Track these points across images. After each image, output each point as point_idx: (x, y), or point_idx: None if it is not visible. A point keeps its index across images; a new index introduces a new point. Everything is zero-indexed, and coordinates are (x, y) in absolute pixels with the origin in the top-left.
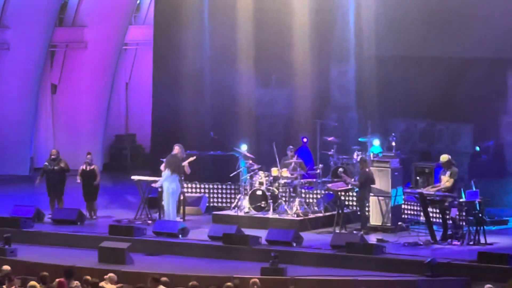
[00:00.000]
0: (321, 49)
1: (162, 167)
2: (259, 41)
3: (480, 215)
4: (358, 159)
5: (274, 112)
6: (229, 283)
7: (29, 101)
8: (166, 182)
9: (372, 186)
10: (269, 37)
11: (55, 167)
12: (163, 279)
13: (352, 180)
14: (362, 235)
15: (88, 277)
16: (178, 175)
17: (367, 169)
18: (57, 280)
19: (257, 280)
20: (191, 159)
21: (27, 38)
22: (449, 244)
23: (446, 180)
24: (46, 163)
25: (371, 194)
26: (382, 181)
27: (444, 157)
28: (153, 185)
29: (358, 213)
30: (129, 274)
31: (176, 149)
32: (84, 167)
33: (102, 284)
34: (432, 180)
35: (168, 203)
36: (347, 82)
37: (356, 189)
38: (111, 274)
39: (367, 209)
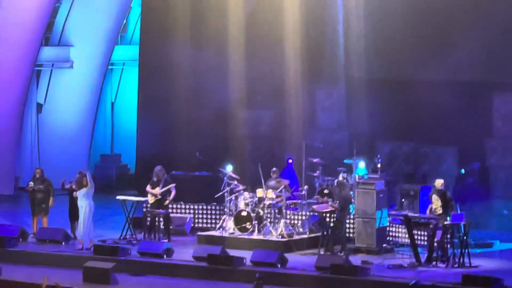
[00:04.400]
0: (307, 70)
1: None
2: (245, 62)
3: (465, 237)
4: (336, 183)
5: (260, 133)
6: None
7: (15, 120)
8: (84, 199)
9: (358, 207)
10: (255, 57)
11: (40, 186)
12: None
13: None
14: (347, 256)
15: None
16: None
17: (345, 192)
18: None
19: None
20: (170, 186)
21: (13, 56)
22: (434, 266)
23: (440, 205)
24: (31, 183)
25: (357, 216)
26: (367, 203)
27: (438, 182)
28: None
29: (327, 233)
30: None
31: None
32: (73, 186)
33: None
34: (417, 202)
35: (86, 221)
36: (333, 103)
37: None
38: None
39: (345, 230)
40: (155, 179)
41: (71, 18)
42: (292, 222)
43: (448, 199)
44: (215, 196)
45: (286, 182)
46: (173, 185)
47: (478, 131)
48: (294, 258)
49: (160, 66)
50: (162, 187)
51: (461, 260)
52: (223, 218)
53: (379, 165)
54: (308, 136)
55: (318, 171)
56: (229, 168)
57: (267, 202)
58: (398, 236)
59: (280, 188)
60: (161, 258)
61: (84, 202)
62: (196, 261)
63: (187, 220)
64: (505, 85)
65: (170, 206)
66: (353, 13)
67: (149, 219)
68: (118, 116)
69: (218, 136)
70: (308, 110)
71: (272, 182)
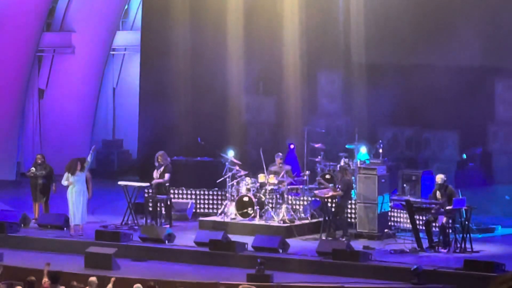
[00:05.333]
0: (309, 55)
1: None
2: (247, 48)
3: (466, 222)
4: (338, 168)
5: (262, 119)
6: None
7: (16, 106)
8: (82, 183)
9: (359, 192)
10: (257, 43)
11: (42, 172)
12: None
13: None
14: (348, 242)
15: (75, 282)
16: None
17: (347, 177)
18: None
19: (247, 285)
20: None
21: (15, 42)
22: (435, 251)
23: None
24: (32, 168)
25: (358, 201)
26: (368, 188)
27: (439, 177)
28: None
29: (329, 218)
30: (116, 279)
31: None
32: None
33: None
34: (419, 187)
35: (82, 204)
36: (334, 89)
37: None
38: (92, 278)
39: (346, 215)
40: (156, 164)
41: (72, 4)
42: (294, 207)
43: (451, 193)
44: (217, 182)
45: (288, 167)
46: (167, 174)
47: (480, 116)
48: (296, 243)
49: (162, 52)
50: (159, 173)
51: (463, 245)
52: (224, 203)
53: (380, 150)
54: (310, 121)
55: (319, 157)
56: (230, 154)
57: (268, 188)
58: (400, 221)
59: (282, 173)
60: (163, 243)
61: (83, 187)
62: (197, 247)
63: (189, 206)
64: (508, 70)
65: (171, 191)
66: None
67: (151, 204)
68: (120, 101)
69: (220, 122)
70: (310, 96)
71: (274, 167)
